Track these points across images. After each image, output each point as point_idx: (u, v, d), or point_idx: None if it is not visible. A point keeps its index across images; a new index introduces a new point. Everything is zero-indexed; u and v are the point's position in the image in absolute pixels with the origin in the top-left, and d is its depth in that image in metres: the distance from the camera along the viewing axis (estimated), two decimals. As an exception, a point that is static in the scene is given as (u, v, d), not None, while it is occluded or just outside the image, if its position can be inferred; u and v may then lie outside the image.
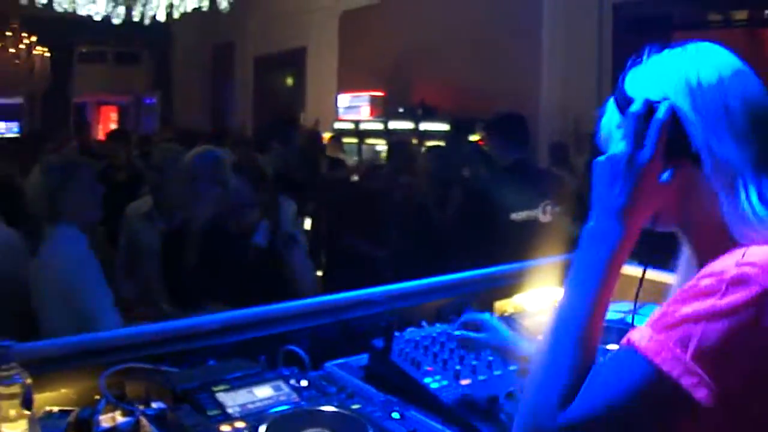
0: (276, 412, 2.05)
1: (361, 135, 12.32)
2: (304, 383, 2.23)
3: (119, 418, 2.17)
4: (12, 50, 15.76)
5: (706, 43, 1.52)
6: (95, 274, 3.63)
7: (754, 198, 1.39)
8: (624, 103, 1.52)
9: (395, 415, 2.11)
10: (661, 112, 1.44)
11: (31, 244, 3.94)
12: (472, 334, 2.30)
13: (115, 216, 4.98)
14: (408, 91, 11.82)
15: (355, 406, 2.13)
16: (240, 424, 1.95)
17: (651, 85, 1.49)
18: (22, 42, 15.84)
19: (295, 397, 2.16)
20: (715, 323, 1.28)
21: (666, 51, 1.54)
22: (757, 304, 1.27)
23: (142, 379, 2.27)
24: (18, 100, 18.68)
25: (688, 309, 1.31)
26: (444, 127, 10.30)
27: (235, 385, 2.17)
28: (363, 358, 2.49)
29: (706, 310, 1.29)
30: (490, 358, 2.40)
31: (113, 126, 19.87)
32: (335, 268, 4.66)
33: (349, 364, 2.51)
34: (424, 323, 2.66)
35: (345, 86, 13.46)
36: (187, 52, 18.33)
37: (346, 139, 12.14)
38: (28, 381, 1.87)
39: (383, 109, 12.40)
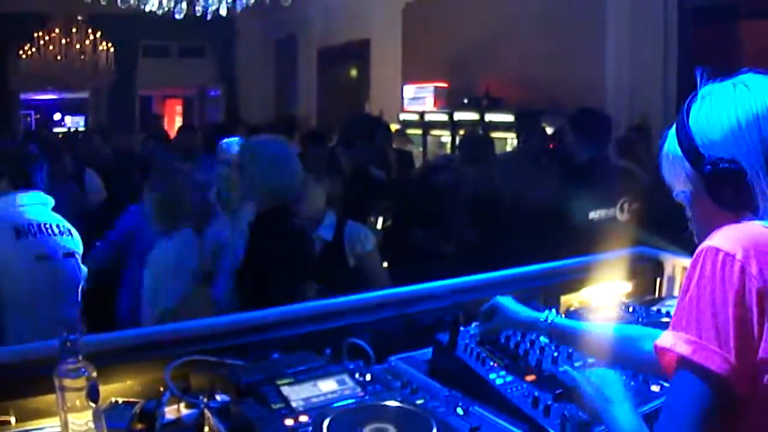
0: (340, 406, 2.04)
1: (426, 126, 12.27)
2: (368, 377, 2.22)
3: (183, 410, 2.19)
4: (77, 46, 16.01)
5: (764, 78, 1.58)
6: None
7: None
8: (687, 143, 1.60)
9: (459, 410, 2.09)
10: (732, 178, 1.54)
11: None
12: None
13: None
14: (472, 82, 11.72)
15: (419, 401, 2.12)
16: (304, 418, 1.95)
17: (716, 137, 1.56)
18: (87, 38, 16.09)
19: (359, 391, 2.15)
20: (693, 295, 1.45)
21: (729, 89, 1.59)
22: (719, 267, 1.43)
23: (207, 372, 2.28)
24: (84, 94, 18.99)
25: (682, 293, 1.50)
26: (509, 118, 10.17)
27: (299, 378, 2.17)
28: (427, 352, 2.48)
29: (685, 287, 1.49)
30: (556, 354, 2.37)
31: (179, 119, 20.14)
32: (401, 262, 4.61)
33: (413, 358, 2.50)
34: (489, 318, 2.63)
35: (409, 77, 13.41)
36: (250, 45, 18.43)
37: (410, 131, 12.11)
38: (94, 374, 1.87)
39: (447, 100, 12.35)
